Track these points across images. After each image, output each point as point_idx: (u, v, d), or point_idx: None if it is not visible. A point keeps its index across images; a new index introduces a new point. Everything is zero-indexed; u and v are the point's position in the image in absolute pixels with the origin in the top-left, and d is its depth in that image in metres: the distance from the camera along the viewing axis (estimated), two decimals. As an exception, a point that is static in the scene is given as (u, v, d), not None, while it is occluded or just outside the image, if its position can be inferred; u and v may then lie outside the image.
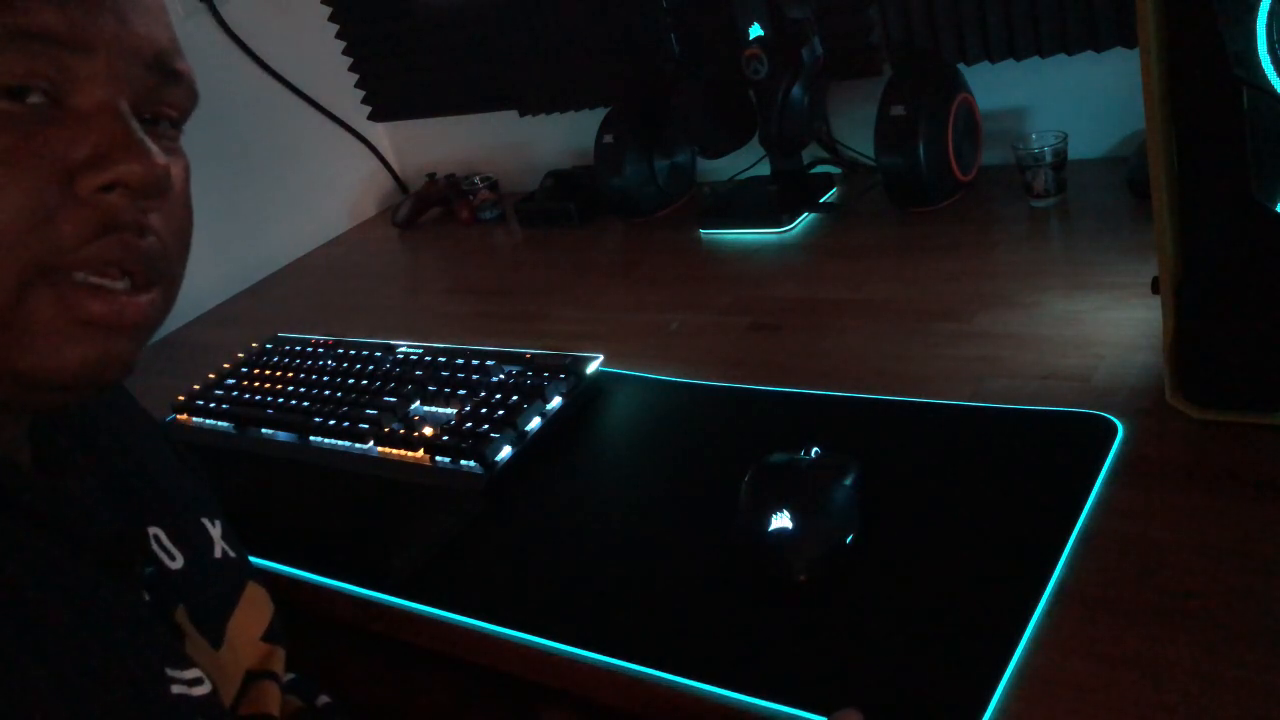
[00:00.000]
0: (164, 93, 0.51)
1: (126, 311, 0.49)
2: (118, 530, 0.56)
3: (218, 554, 0.65)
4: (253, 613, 0.65)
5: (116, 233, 0.47)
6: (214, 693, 0.55)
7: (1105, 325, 0.91)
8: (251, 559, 0.70)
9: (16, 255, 0.45)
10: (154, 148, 0.48)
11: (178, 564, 0.60)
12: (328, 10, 1.82)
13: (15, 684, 0.44)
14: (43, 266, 0.46)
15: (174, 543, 0.61)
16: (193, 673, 0.53)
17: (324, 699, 0.73)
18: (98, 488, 0.57)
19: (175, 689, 0.52)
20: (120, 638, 0.50)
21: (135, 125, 0.48)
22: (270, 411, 1.11)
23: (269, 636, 0.66)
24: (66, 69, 0.46)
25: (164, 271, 0.51)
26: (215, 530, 0.66)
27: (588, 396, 1.02)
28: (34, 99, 0.46)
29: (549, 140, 1.75)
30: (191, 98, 0.54)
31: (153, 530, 0.60)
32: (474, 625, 0.77)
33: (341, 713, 0.74)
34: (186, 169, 0.54)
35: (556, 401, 0.99)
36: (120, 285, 0.49)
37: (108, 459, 0.61)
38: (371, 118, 1.91)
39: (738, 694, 0.64)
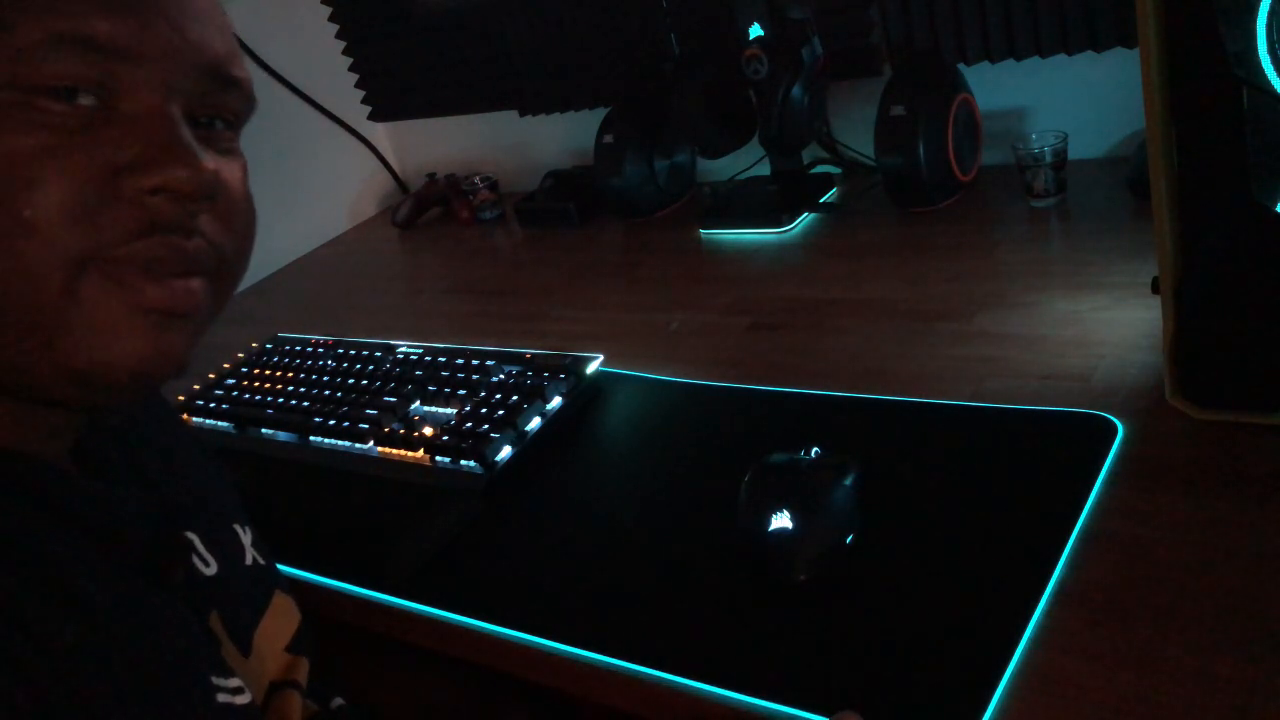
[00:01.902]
0: (219, 98, 0.51)
1: (179, 295, 0.49)
2: (158, 536, 0.56)
3: (248, 561, 0.65)
4: (280, 622, 0.65)
5: (161, 233, 0.47)
6: (253, 702, 0.55)
7: (1105, 325, 0.91)
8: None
9: (58, 249, 0.45)
10: (202, 153, 0.48)
11: (212, 570, 0.60)
12: (328, 10, 1.82)
13: (78, 689, 0.44)
14: (87, 258, 0.46)
15: (208, 549, 0.60)
16: (235, 681, 0.54)
17: (338, 701, 0.73)
18: (138, 492, 0.57)
19: (221, 697, 0.52)
20: (168, 644, 0.50)
21: (184, 130, 0.48)
22: (270, 411, 1.11)
23: (294, 647, 0.66)
24: (116, 74, 0.46)
25: (213, 270, 0.51)
26: (246, 537, 0.66)
27: (588, 396, 1.02)
28: (84, 100, 0.46)
29: (549, 140, 1.75)
30: (248, 103, 0.54)
31: (188, 536, 0.60)
32: (474, 625, 0.77)
33: (355, 715, 0.73)
34: (244, 168, 0.54)
35: (556, 401, 0.99)
36: (172, 274, 0.49)
37: (145, 463, 0.60)
38: (371, 118, 1.91)
39: (737, 694, 0.64)
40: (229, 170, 0.52)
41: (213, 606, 0.59)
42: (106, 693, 0.45)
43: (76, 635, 0.45)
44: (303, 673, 0.66)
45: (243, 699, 0.54)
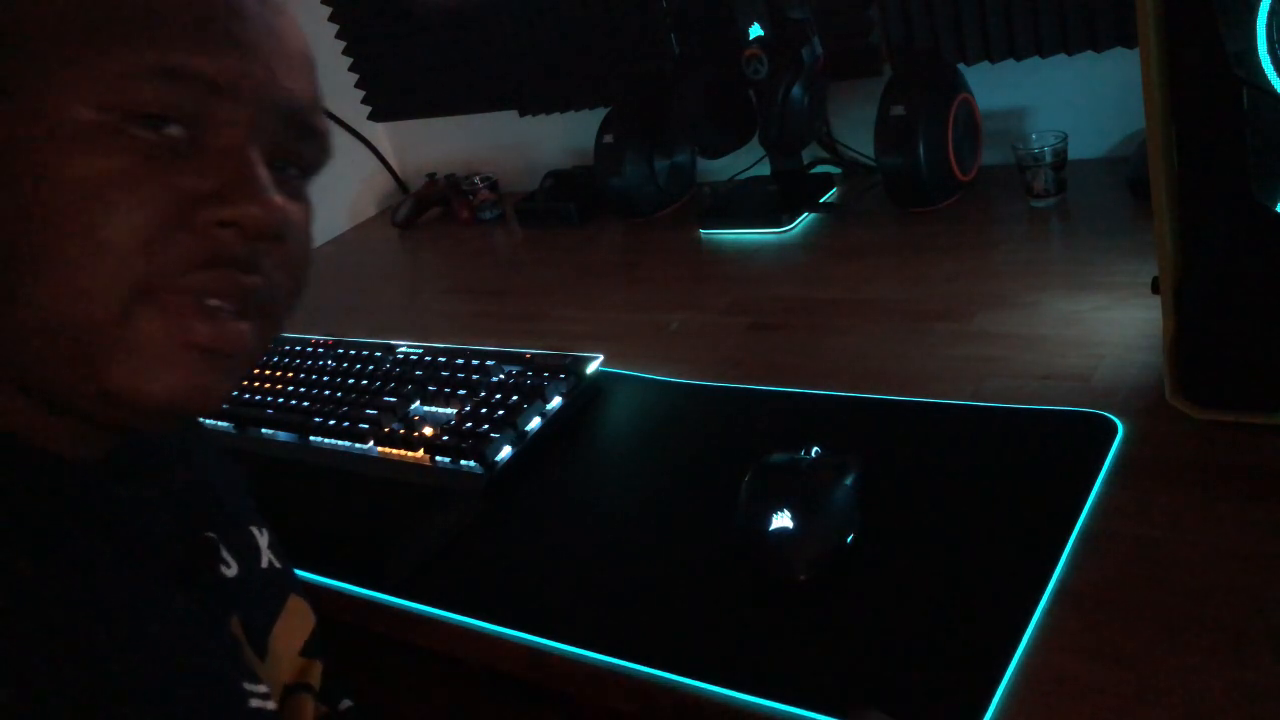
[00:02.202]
0: (297, 145, 0.53)
1: (228, 336, 0.49)
2: (186, 538, 0.56)
3: (264, 564, 0.65)
4: (294, 626, 0.65)
5: (224, 266, 0.48)
6: (277, 709, 0.55)
7: (1105, 325, 0.91)
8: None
9: (124, 271, 0.46)
10: (276, 194, 0.49)
11: (233, 572, 0.60)
12: (328, 10, 1.82)
13: (115, 693, 0.44)
14: (149, 285, 0.46)
15: (228, 551, 0.61)
16: (263, 687, 0.54)
17: (346, 703, 0.73)
18: (162, 494, 0.58)
19: (253, 702, 0.52)
20: (200, 648, 0.51)
21: (263, 170, 0.49)
22: (270, 411, 1.11)
23: (308, 650, 0.66)
24: (208, 109, 0.47)
25: (263, 309, 0.52)
26: (263, 540, 0.66)
27: (588, 396, 1.01)
28: (172, 130, 0.47)
29: (549, 140, 1.75)
30: (324, 154, 0.55)
31: (211, 536, 0.60)
32: (474, 625, 0.77)
33: (363, 717, 0.73)
34: (307, 213, 0.55)
35: (556, 401, 0.99)
36: (223, 310, 0.49)
37: (167, 463, 0.61)
38: (371, 118, 1.91)
39: (738, 693, 0.64)
40: (295, 214, 0.53)
41: (233, 610, 0.59)
42: (144, 696, 0.45)
43: (113, 639, 0.45)
44: (315, 676, 0.66)
45: (270, 704, 0.54)
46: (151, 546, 0.52)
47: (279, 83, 0.50)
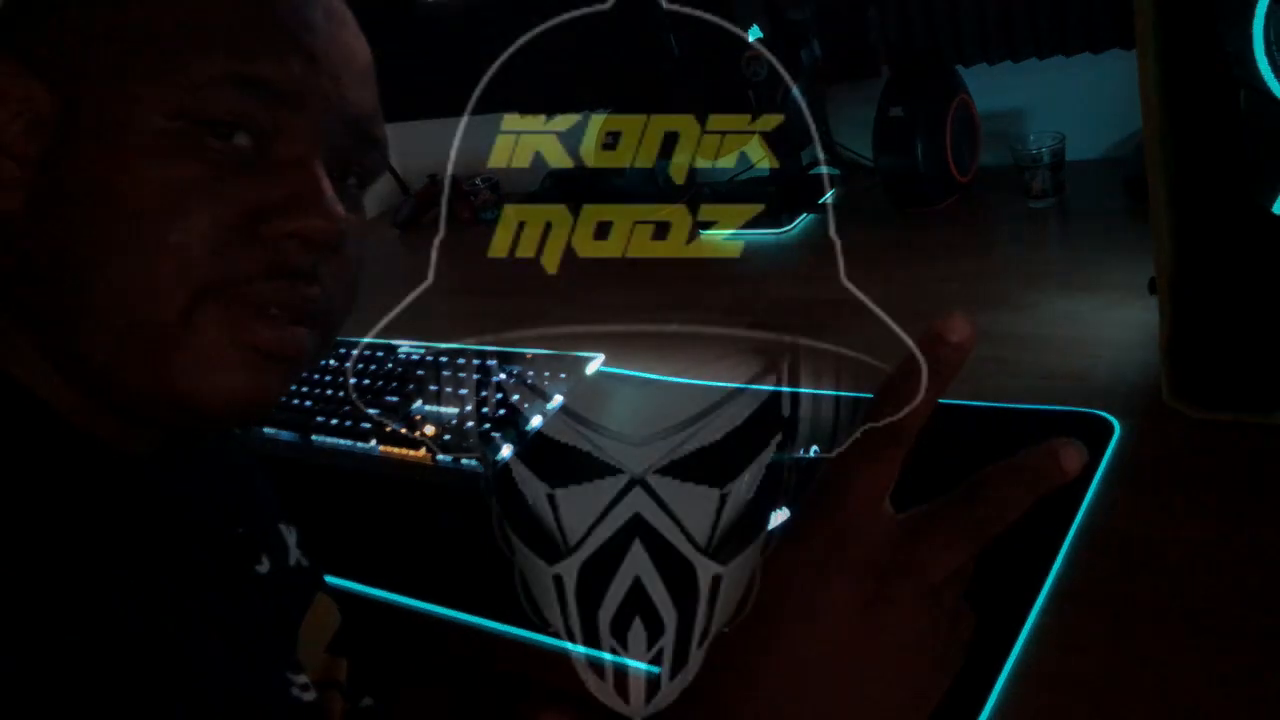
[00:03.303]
0: (358, 155, 0.53)
1: (287, 341, 0.50)
2: (226, 533, 0.57)
3: (293, 561, 0.65)
4: (321, 623, 0.66)
5: (286, 277, 0.49)
6: (319, 700, 0.56)
7: (1104, 325, 0.91)
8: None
9: (189, 275, 0.47)
10: (339, 206, 0.50)
11: (265, 569, 0.60)
12: (328, 11, 1.82)
13: (169, 682, 0.44)
14: (213, 289, 0.47)
15: (261, 548, 0.61)
16: (303, 678, 0.55)
17: (367, 701, 0.74)
18: (204, 489, 0.59)
19: (295, 691, 0.53)
20: (244, 638, 0.52)
21: (326, 182, 0.50)
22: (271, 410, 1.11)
23: (333, 648, 0.66)
24: (276, 118, 0.48)
25: (321, 318, 0.53)
26: (291, 537, 0.67)
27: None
28: (239, 139, 0.48)
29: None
30: (383, 164, 0.56)
31: (244, 532, 0.61)
32: (474, 624, 0.77)
33: (384, 715, 0.74)
34: (362, 224, 0.56)
35: (557, 401, 1.00)
36: (283, 316, 0.50)
37: (204, 460, 0.62)
38: (372, 118, 1.91)
39: (738, 692, 0.64)
40: (353, 225, 0.53)
41: (267, 605, 0.59)
42: (198, 679, 0.46)
43: (168, 624, 0.46)
44: (342, 673, 0.67)
45: (310, 695, 0.55)
46: (195, 540, 0.53)
47: (344, 93, 0.51)
